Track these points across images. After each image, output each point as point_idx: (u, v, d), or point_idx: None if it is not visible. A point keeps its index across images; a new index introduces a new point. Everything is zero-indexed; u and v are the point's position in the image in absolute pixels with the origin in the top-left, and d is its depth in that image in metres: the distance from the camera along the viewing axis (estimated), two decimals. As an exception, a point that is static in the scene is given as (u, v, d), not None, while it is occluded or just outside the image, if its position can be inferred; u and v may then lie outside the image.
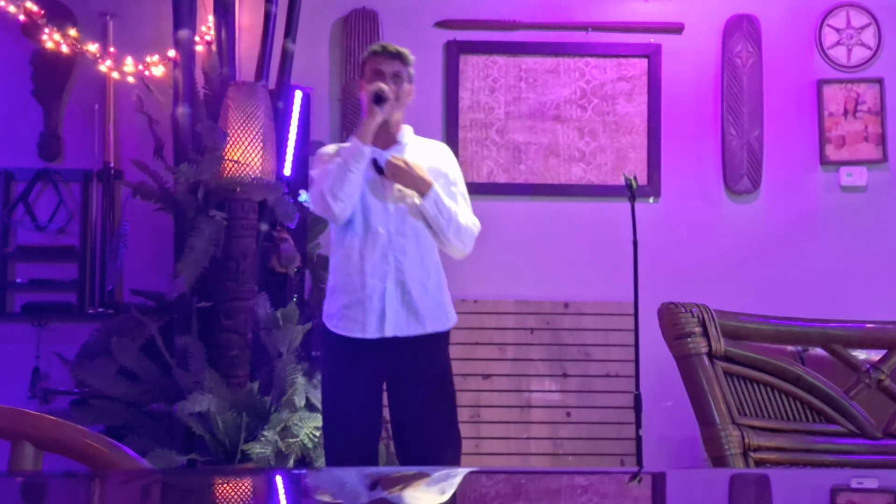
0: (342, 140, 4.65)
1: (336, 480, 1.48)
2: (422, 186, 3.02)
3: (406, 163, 3.03)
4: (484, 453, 4.44)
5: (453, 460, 3.10)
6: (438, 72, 4.70)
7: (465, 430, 4.42)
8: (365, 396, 3.04)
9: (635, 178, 3.99)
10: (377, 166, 3.06)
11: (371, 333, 3.00)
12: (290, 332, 3.80)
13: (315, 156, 3.22)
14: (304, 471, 3.00)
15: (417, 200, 3.04)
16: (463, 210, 3.12)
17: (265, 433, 3.59)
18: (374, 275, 3.00)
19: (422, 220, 3.06)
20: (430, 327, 3.06)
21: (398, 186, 3.05)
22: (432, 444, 3.05)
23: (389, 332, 3.00)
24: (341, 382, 3.05)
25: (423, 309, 3.04)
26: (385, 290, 3.00)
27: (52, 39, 4.37)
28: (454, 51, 4.69)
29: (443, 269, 3.15)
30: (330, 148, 3.19)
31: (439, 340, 3.12)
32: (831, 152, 4.68)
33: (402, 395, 3.07)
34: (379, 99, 2.99)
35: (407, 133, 3.17)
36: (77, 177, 4.60)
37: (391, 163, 3.03)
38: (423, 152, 3.14)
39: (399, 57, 3.11)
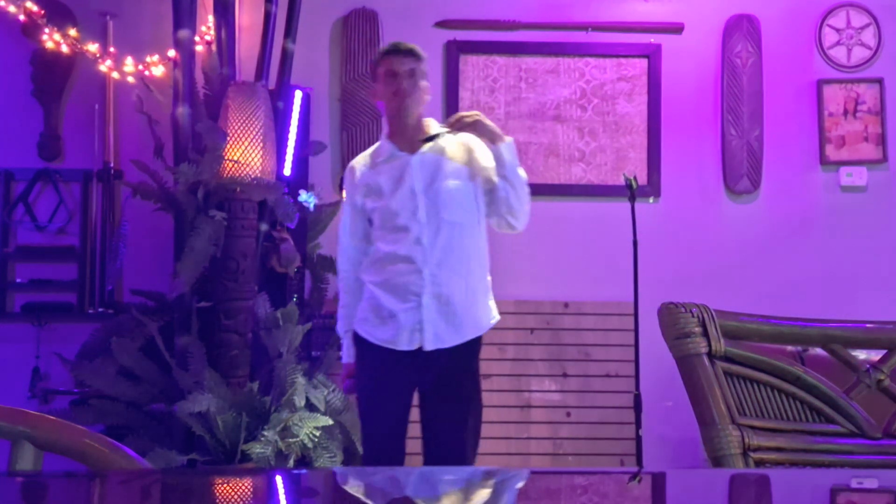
0: (342, 139, 4.66)
1: (338, 479, 1.48)
2: (498, 134, 2.95)
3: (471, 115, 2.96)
4: (484, 453, 4.41)
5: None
6: (438, 72, 4.69)
7: (465, 430, 4.44)
8: (395, 404, 3.00)
9: (635, 178, 3.99)
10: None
11: (404, 346, 2.95)
12: (290, 332, 3.80)
13: (347, 173, 3.14)
14: (303, 471, 3.00)
15: (504, 157, 2.93)
16: None
17: (265, 433, 3.58)
18: (409, 288, 2.93)
19: (459, 214, 2.95)
20: (470, 334, 2.99)
21: (444, 174, 2.96)
22: (457, 451, 3.00)
23: (429, 347, 2.93)
24: (375, 393, 3.01)
25: (464, 317, 2.96)
26: (422, 304, 2.92)
27: (52, 39, 4.37)
28: (454, 51, 4.69)
29: (486, 262, 3.06)
30: (358, 165, 3.10)
31: (475, 343, 3.04)
32: (831, 152, 4.68)
33: (435, 404, 3.00)
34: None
35: (433, 126, 3.08)
36: (77, 177, 4.60)
37: (462, 121, 2.95)
38: (457, 139, 3.03)
39: (412, 54, 3.03)
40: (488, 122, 2.98)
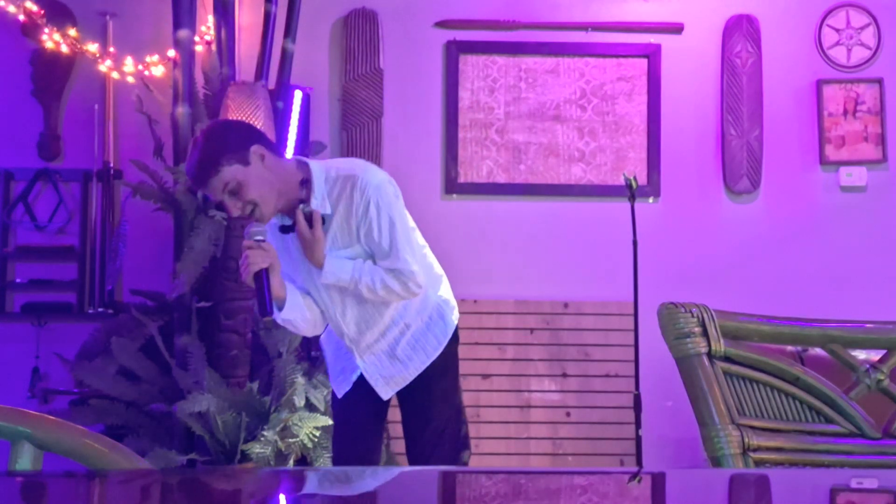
0: (341, 139, 4.65)
1: (335, 479, 1.48)
2: (316, 261, 2.65)
3: (311, 229, 2.63)
4: (484, 453, 4.44)
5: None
6: (438, 72, 4.70)
7: (464, 430, 4.44)
8: (371, 410, 2.90)
9: (635, 178, 3.99)
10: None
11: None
12: (290, 332, 3.80)
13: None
14: (302, 469, 3.00)
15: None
16: (382, 264, 2.67)
17: (265, 433, 3.59)
18: (348, 357, 2.83)
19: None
20: (421, 368, 2.83)
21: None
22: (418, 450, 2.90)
23: (386, 397, 2.84)
24: (346, 402, 2.91)
25: (408, 361, 2.81)
26: (363, 366, 2.80)
27: (51, 39, 4.37)
28: (454, 51, 4.69)
29: (421, 295, 2.76)
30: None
31: (440, 357, 2.87)
32: (831, 152, 4.68)
33: (411, 409, 2.90)
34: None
35: (316, 190, 2.62)
36: (77, 177, 4.60)
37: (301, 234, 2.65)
38: (334, 210, 2.66)
39: (209, 173, 2.49)
40: (314, 245, 2.64)
